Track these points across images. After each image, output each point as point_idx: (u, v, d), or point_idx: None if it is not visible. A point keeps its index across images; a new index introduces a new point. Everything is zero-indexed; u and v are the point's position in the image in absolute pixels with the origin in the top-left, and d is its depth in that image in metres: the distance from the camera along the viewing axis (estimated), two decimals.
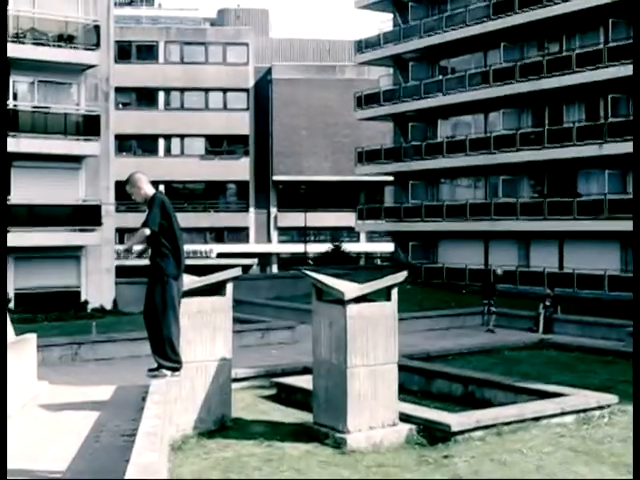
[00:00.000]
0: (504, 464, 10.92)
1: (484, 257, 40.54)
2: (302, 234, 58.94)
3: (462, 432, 11.96)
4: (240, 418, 12.93)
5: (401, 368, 12.90)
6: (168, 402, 9.90)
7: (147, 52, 60.95)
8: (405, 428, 12.04)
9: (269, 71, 63.01)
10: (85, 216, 33.28)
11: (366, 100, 46.66)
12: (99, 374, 19.10)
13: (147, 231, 9.44)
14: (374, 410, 11.86)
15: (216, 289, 12.29)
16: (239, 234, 62.25)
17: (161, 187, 60.01)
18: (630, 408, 13.53)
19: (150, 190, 9.79)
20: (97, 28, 33.61)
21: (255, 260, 59.90)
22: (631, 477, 9.44)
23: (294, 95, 62.38)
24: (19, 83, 32.96)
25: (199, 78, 60.52)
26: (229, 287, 12.47)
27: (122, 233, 50.48)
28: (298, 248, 59.16)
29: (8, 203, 31.38)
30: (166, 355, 9.86)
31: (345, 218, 58.27)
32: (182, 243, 9.85)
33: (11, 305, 30.41)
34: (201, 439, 11.79)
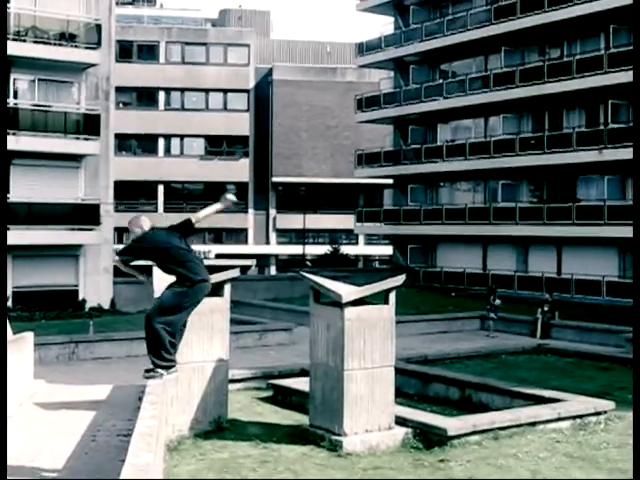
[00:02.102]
0: (500, 469, 10.92)
1: (482, 261, 40.55)
2: (301, 236, 58.90)
3: (458, 436, 11.96)
4: (236, 419, 12.93)
5: (398, 371, 12.90)
6: (164, 402, 9.90)
7: (148, 52, 60.93)
8: (401, 432, 12.04)
9: (270, 72, 63.01)
10: (84, 215, 33.24)
11: (367, 103, 46.68)
12: (96, 373, 19.10)
13: (116, 257, 9.96)
14: (371, 413, 11.85)
15: (214, 290, 12.28)
16: (238, 235, 62.23)
17: (160, 187, 60.09)
18: (627, 414, 13.55)
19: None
20: (98, 27, 33.59)
21: (253, 261, 59.83)
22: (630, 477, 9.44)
23: (294, 97, 62.38)
24: (20, 81, 32.94)
25: (200, 78, 60.50)
26: (227, 288, 12.48)
27: (121, 233, 50.46)
28: (297, 250, 59.13)
29: (7, 201, 31.37)
30: (160, 355, 9.86)
31: (344, 220, 58.22)
32: (186, 261, 9.80)
33: (9, 303, 30.40)
34: (197, 440, 11.79)
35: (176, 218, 10.01)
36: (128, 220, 10.11)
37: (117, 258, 9.95)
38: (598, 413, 13.56)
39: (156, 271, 10.40)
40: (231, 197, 9.89)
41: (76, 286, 33.96)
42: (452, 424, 12.23)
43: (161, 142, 61.17)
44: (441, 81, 42.41)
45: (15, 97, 32.56)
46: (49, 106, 32.87)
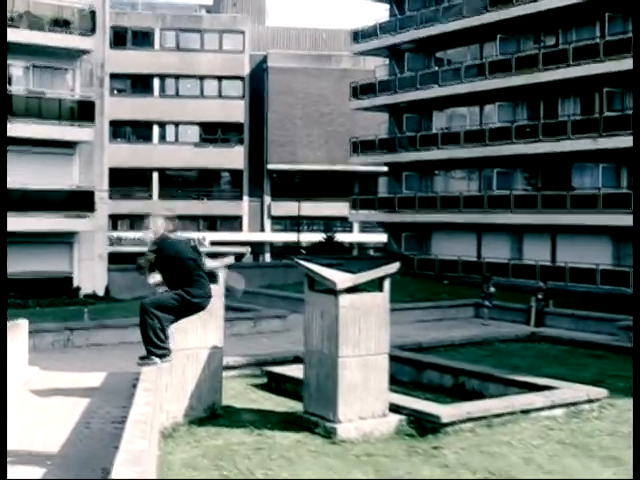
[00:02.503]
0: (493, 456, 10.95)
1: (477, 249, 40.56)
2: (295, 223, 58.89)
3: (452, 424, 11.98)
4: (231, 406, 12.94)
5: (392, 359, 12.92)
6: (159, 389, 9.90)
7: (143, 38, 60.71)
8: (395, 419, 12.07)
9: (265, 59, 62.85)
10: (78, 202, 33.20)
11: (361, 90, 46.59)
12: (90, 360, 19.10)
13: (144, 276, 10.25)
14: (365, 400, 11.87)
15: (209, 277, 12.27)
16: (232, 222, 62.17)
17: (155, 174, 59.97)
18: (620, 402, 13.60)
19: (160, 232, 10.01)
20: (93, 13, 33.50)
21: (248, 249, 59.87)
22: (629, 476, 9.47)
23: (289, 84, 62.24)
24: (14, 67, 32.83)
25: (194, 65, 60.33)
26: (222, 275, 12.46)
27: (115, 220, 50.38)
28: (291, 237, 59.14)
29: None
30: (153, 343, 9.89)
31: (339, 208, 58.21)
32: (194, 275, 9.92)
33: None
34: (191, 427, 11.80)
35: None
36: (151, 214, 10.11)
37: (146, 276, 10.10)
38: (591, 401, 13.60)
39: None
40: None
41: (70, 273, 33.95)
42: (446, 411, 12.26)
43: (156, 129, 61.02)
44: (436, 69, 42.34)
45: (9, 83, 32.45)
46: (43, 93, 32.79)
